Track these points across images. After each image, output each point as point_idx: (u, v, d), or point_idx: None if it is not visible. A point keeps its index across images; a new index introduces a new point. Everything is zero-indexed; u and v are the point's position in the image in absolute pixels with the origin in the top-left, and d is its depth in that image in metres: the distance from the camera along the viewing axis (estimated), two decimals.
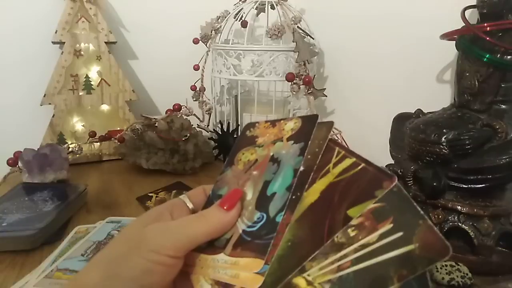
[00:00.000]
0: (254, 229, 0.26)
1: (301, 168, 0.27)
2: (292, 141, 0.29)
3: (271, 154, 0.29)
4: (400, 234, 0.21)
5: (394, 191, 0.23)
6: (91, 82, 0.83)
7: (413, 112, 0.54)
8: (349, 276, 0.22)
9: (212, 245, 0.27)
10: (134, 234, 0.25)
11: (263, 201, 0.27)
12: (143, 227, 0.26)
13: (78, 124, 0.85)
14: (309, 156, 0.27)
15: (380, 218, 0.22)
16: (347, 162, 0.26)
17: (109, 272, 0.23)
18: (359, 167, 0.25)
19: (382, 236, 0.22)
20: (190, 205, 0.30)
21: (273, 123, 0.32)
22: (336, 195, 0.24)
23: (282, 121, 0.31)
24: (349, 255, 0.22)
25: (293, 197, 0.26)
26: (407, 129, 0.51)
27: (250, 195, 0.28)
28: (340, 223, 0.23)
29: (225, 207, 0.27)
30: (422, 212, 0.21)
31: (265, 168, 0.29)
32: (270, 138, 0.31)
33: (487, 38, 0.44)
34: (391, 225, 0.22)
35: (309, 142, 0.27)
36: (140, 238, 0.24)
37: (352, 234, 0.23)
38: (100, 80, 0.84)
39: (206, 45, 0.84)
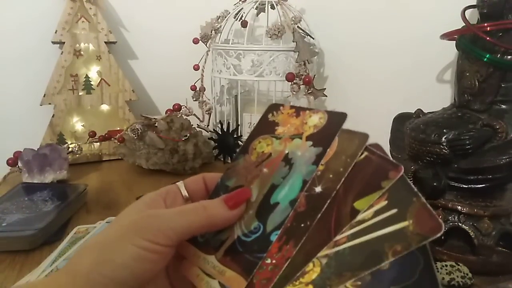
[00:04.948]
0: (248, 239, 0.25)
1: (310, 181, 0.24)
2: (311, 143, 0.26)
3: (286, 152, 0.27)
4: (394, 211, 0.22)
5: None
6: (91, 82, 0.83)
7: (413, 112, 0.54)
8: (345, 251, 0.22)
9: (207, 242, 0.27)
10: (128, 221, 0.25)
11: (264, 209, 0.25)
12: (136, 213, 0.26)
13: (78, 124, 0.85)
14: (330, 176, 0.24)
15: None
16: None
17: (101, 258, 0.23)
18: (362, 156, 0.24)
19: (377, 213, 0.22)
20: (185, 193, 0.29)
21: (298, 111, 0.29)
22: (341, 186, 0.24)
23: (307, 111, 0.28)
24: (345, 231, 0.22)
25: (302, 225, 0.23)
26: (407, 129, 0.51)
27: (254, 196, 0.26)
28: (347, 216, 0.23)
29: (229, 204, 0.26)
30: (416, 189, 0.22)
31: (276, 167, 0.27)
32: (290, 131, 0.28)
33: (487, 38, 0.44)
34: (386, 202, 0.22)
35: (328, 149, 0.25)
36: (132, 225, 0.24)
37: None
38: (100, 80, 0.84)
39: (206, 45, 0.84)
